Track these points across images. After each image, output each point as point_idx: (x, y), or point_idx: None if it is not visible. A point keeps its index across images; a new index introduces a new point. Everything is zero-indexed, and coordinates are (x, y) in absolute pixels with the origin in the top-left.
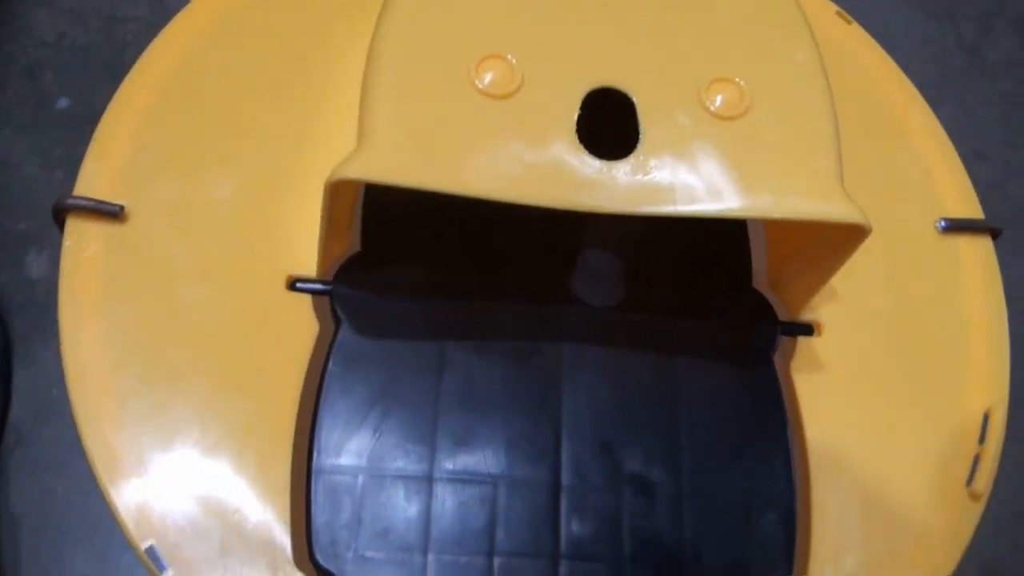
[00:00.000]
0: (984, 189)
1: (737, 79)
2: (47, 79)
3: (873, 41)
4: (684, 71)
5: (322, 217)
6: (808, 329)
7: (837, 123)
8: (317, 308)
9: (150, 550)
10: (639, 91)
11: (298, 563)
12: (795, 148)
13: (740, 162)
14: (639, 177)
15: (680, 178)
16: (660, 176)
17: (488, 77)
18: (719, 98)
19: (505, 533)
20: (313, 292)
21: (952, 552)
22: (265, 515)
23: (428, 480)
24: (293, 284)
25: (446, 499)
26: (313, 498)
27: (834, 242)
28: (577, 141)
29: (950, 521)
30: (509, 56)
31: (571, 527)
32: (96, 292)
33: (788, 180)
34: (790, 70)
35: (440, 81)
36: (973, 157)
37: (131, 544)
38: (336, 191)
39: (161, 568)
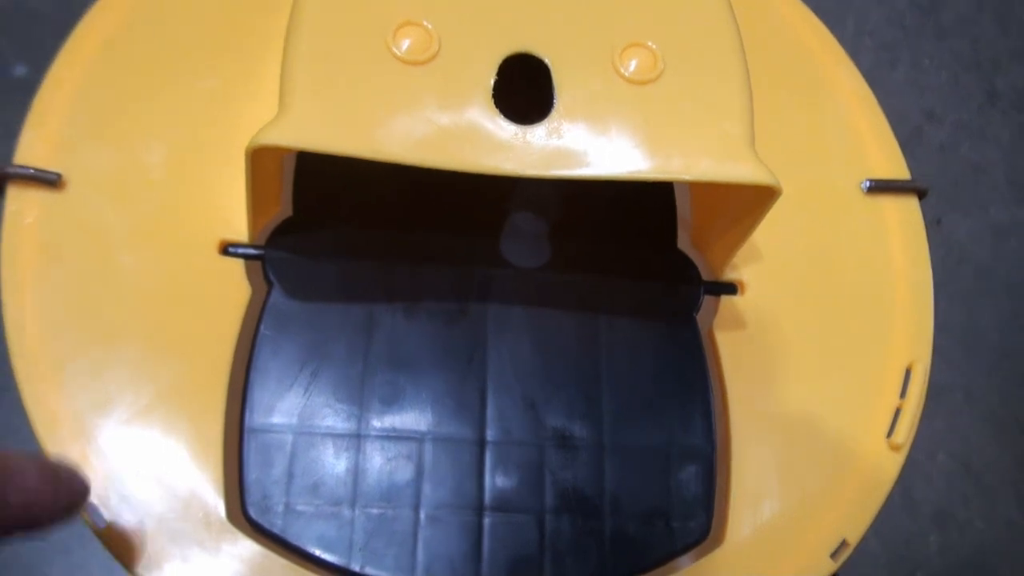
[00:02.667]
0: (937, 150)
1: (650, 43)
2: (3, 46)
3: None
4: (598, 37)
5: (247, 183)
6: (731, 288)
7: (749, 86)
8: (249, 272)
9: (90, 506)
10: (554, 57)
11: (231, 520)
12: (706, 111)
13: (652, 126)
14: (553, 141)
15: (593, 142)
16: (573, 140)
17: (405, 44)
18: (633, 63)
19: (431, 487)
20: (245, 256)
21: (871, 501)
22: (198, 474)
23: (356, 437)
24: (225, 249)
25: (374, 455)
26: (245, 456)
27: (749, 203)
28: (492, 105)
29: (869, 471)
30: (426, 22)
31: (495, 480)
32: (35, 259)
33: (699, 143)
34: (703, 34)
35: (358, 48)
36: (927, 119)
37: None
38: (257, 157)
39: (100, 524)
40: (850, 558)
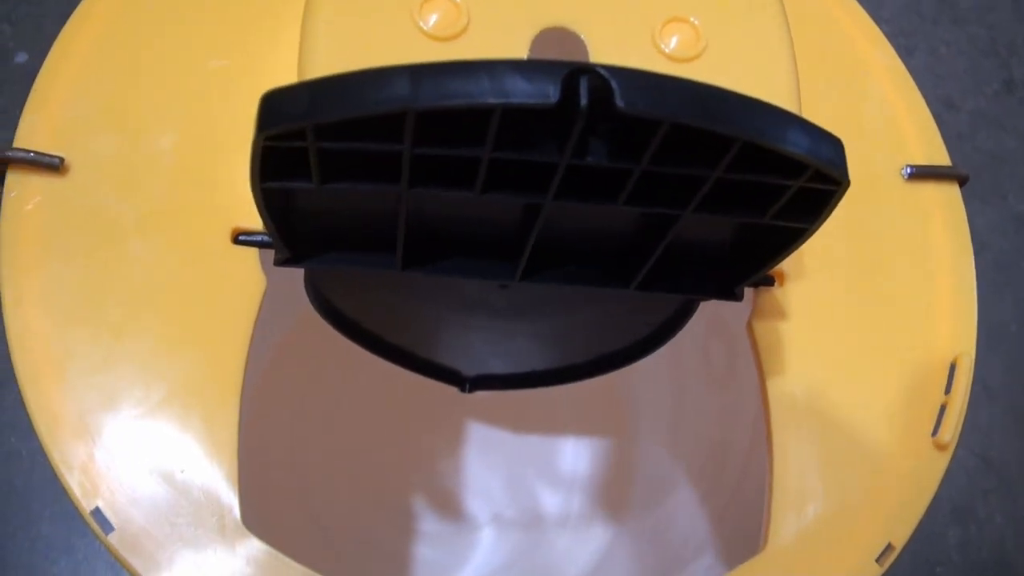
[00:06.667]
0: (955, 139)
1: (692, 18)
2: (5, 33)
3: None
4: (637, 11)
5: None
6: (769, 280)
7: (795, 63)
8: (264, 262)
9: (96, 512)
10: (591, 33)
11: (247, 522)
12: (751, 89)
13: None
14: None
15: None
16: None
17: (433, 18)
18: (674, 39)
19: None
20: (259, 245)
21: (916, 503)
22: (212, 474)
23: None
24: (237, 237)
25: None
26: None
27: None
28: None
29: (914, 472)
30: None
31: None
32: (38, 248)
33: None
34: (746, 9)
35: (382, 23)
36: (944, 106)
37: (76, 506)
38: None
39: (107, 530)
40: None
